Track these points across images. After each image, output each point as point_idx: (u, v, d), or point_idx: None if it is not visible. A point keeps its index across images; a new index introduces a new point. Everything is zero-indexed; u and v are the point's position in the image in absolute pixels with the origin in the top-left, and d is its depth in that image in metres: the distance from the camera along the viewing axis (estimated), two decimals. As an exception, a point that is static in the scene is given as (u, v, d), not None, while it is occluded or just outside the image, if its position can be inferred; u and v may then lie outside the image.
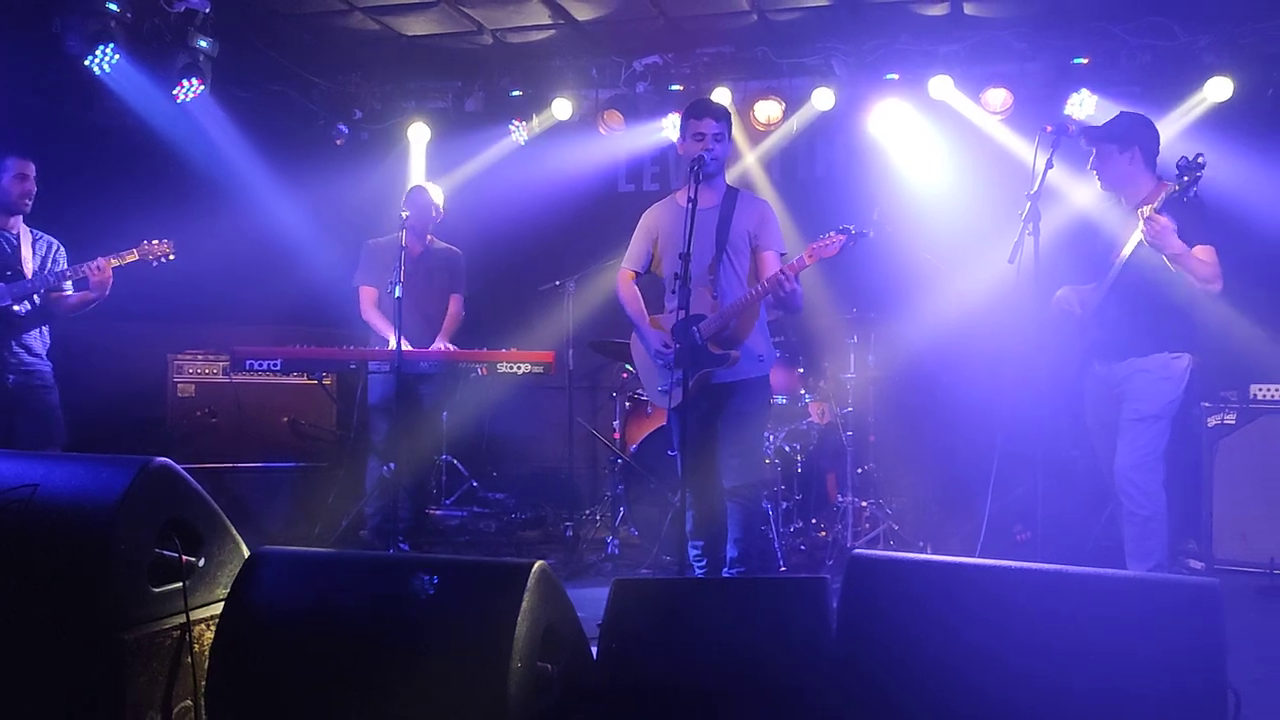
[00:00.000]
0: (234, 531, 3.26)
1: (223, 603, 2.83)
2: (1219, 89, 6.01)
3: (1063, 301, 4.46)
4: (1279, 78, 5.99)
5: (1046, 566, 2.46)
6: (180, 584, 2.88)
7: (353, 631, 2.68)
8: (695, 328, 4.33)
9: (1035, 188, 4.03)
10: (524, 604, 2.62)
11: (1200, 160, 3.95)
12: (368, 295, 5.81)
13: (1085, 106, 6.18)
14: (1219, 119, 5.93)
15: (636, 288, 4.62)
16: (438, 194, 5.91)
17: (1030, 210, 4.01)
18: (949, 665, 2.41)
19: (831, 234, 4.33)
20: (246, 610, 2.75)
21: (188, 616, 2.90)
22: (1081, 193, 4.84)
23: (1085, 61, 6.38)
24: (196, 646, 2.94)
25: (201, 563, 3.00)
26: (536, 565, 2.71)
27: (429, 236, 5.92)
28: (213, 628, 2.88)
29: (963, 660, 2.40)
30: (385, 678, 2.62)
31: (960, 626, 2.44)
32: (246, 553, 3.04)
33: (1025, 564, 2.49)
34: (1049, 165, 4.05)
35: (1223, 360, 5.43)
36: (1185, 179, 3.97)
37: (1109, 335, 4.30)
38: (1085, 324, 4.35)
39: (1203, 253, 4.08)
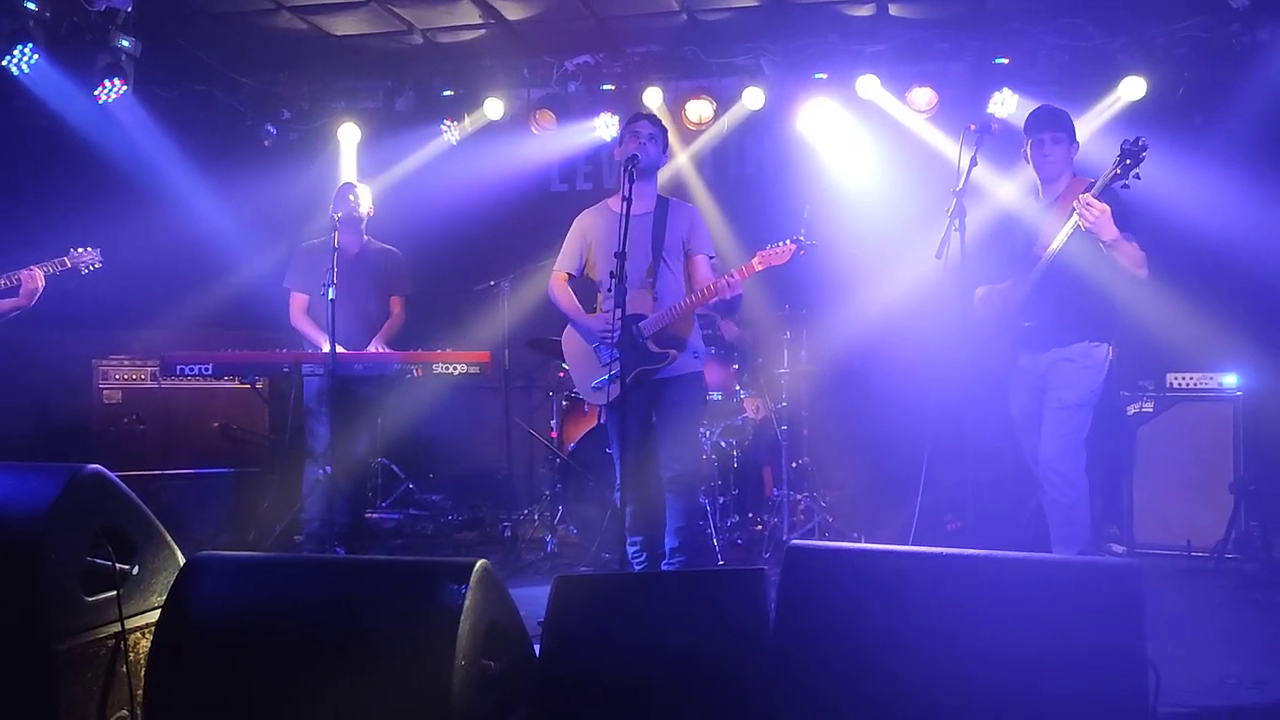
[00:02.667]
0: (169, 538, 3.21)
1: (159, 610, 2.80)
2: (1133, 88, 6.20)
3: (985, 299, 4.58)
4: (1189, 77, 6.19)
5: (975, 552, 2.54)
6: (114, 592, 2.84)
7: (293, 635, 2.66)
8: (636, 325, 4.41)
9: (960, 184, 4.12)
10: (466, 602, 2.63)
11: (1142, 144, 3.99)
12: (298, 302, 5.72)
13: (1007, 105, 6.34)
14: (1133, 117, 6.12)
15: (570, 290, 4.70)
16: (366, 193, 5.86)
17: (956, 206, 4.10)
18: (883, 650, 2.47)
19: (784, 243, 4.43)
20: (184, 617, 2.72)
21: (122, 625, 2.87)
22: (1002, 188, 4.97)
23: (1006, 61, 6.54)
24: (132, 655, 2.90)
25: (136, 570, 2.97)
26: (479, 564, 2.73)
27: (365, 237, 5.86)
28: (148, 636, 2.85)
29: (896, 645, 2.47)
30: (328, 680, 2.61)
31: (893, 613, 2.50)
32: (182, 560, 3.01)
33: (956, 550, 2.56)
34: (973, 162, 4.14)
35: (1140, 350, 5.60)
36: (1127, 161, 4.01)
37: (1035, 327, 4.41)
38: (1012, 317, 4.46)
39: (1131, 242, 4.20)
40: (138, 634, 2.92)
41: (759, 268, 4.41)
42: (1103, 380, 4.35)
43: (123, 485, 3.02)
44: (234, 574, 2.82)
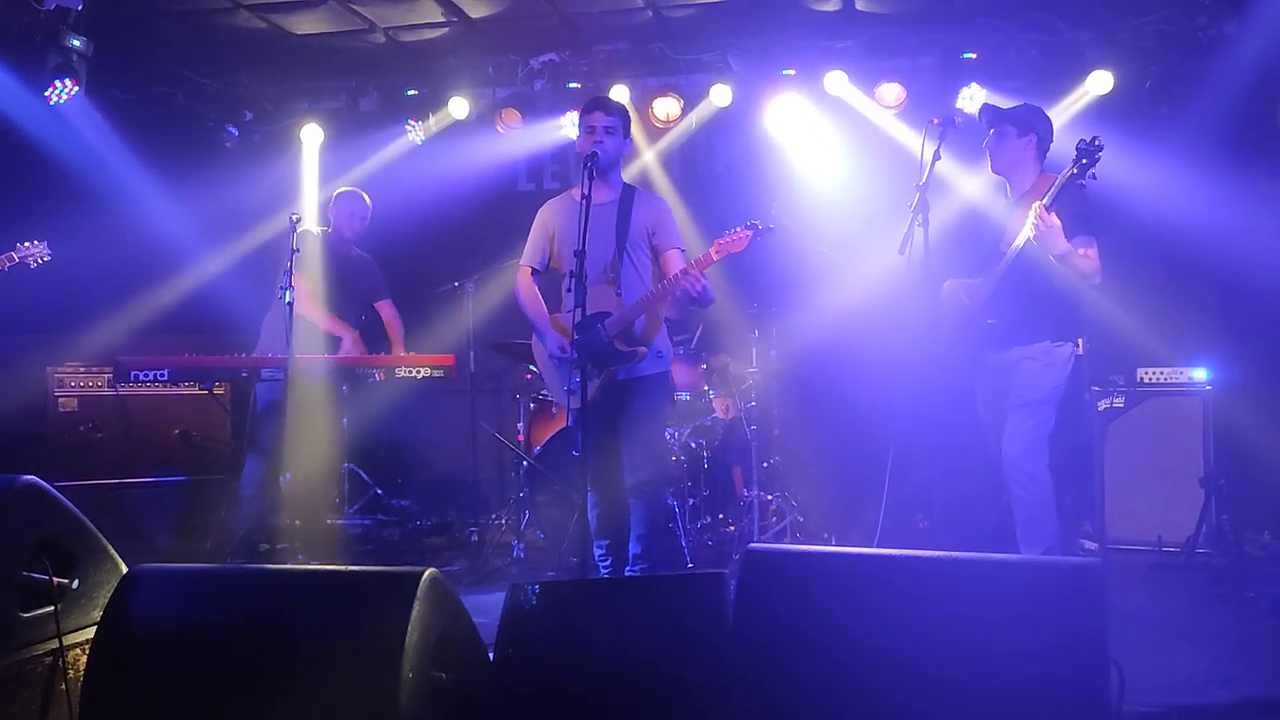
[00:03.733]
0: (111, 550, 3.12)
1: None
2: (1100, 82, 6.18)
3: (951, 294, 4.54)
4: (1156, 71, 6.18)
5: (934, 553, 2.49)
6: (52, 607, 2.75)
7: (236, 648, 2.59)
8: (601, 325, 4.31)
9: (923, 179, 4.08)
10: (414, 613, 2.56)
11: (1098, 143, 3.99)
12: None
13: (975, 100, 6.28)
14: (1101, 111, 6.09)
15: (536, 287, 4.58)
16: (366, 200, 5.89)
17: (919, 201, 4.06)
18: (842, 653, 2.43)
19: (738, 229, 4.32)
20: (122, 631, 2.64)
21: (60, 641, 2.78)
22: (970, 184, 4.93)
23: (974, 56, 6.51)
24: (71, 672, 2.81)
25: (75, 584, 2.88)
26: (427, 573, 2.65)
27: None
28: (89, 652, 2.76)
29: (855, 647, 2.42)
30: (272, 695, 2.53)
31: (852, 615, 2.46)
32: (126, 572, 2.92)
33: (914, 551, 2.51)
34: (936, 156, 4.11)
35: (1110, 346, 5.60)
36: (1084, 161, 4.01)
37: (998, 324, 4.37)
38: (976, 314, 4.43)
39: (1085, 249, 4.16)
40: (77, 650, 2.83)
41: (717, 257, 4.29)
42: (1066, 377, 4.32)
43: (61, 496, 2.93)
44: (174, 586, 2.73)
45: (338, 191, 6.01)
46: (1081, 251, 4.13)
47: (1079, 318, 4.37)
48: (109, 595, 2.79)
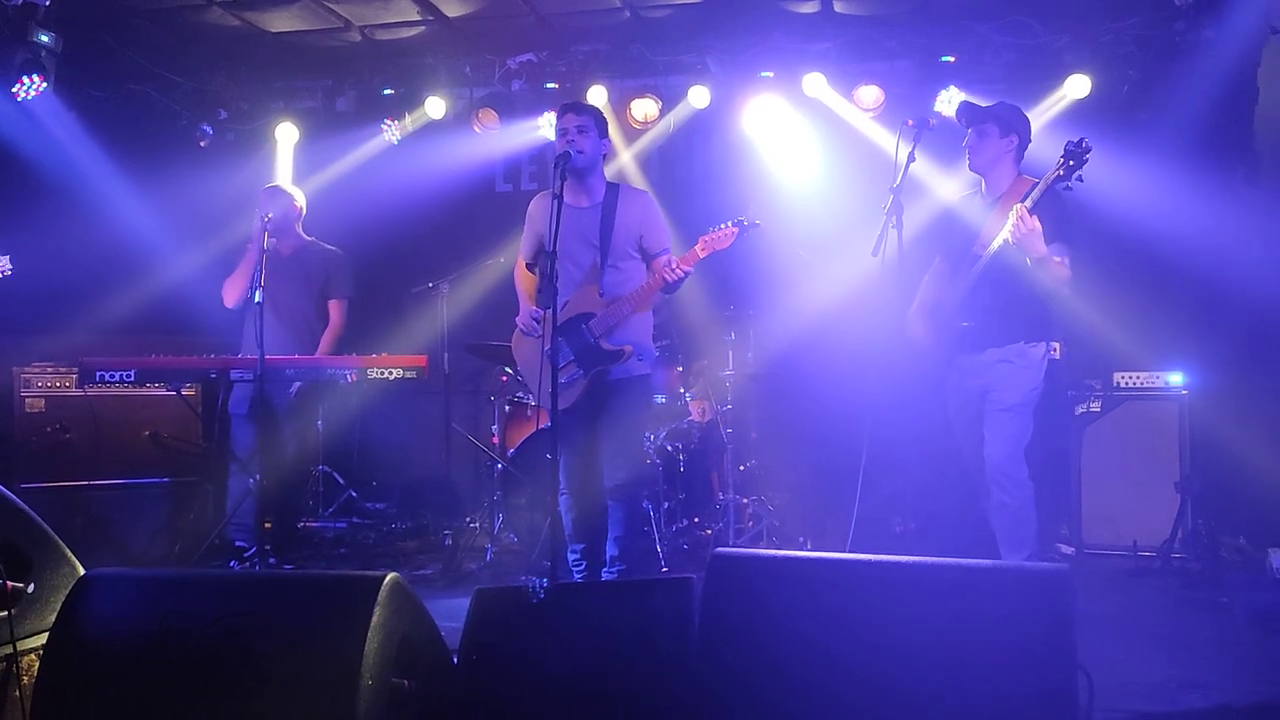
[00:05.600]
0: (69, 554, 3.07)
1: (51, 630, 2.65)
2: (1078, 86, 6.17)
3: (923, 290, 4.55)
4: (1133, 75, 6.18)
5: (903, 559, 2.46)
6: (4, 613, 2.70)
7: (192, 654, 2.54)
8: (585, 325, 4.27)
9: (898, 180, 4.05)
10: (374, 618, 2.52)
11: (1086, 145, 3.93)
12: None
13: (953, 103, 6.26)
14: (1078, 115, 6.09)
15: (528, 276, 4.59)
16: (294, 192, 5.74)
17: (893, 203, 4.04)
18: (808, 658, 2.40)
19: (725, 225, 4.29)
20: (75, 636, 2.59)
21: (14, 647, 2.73)
22: (945, 186, 4.91)
23: (952, 60, 6.49)
24: (25, 679, 2.76)
25: (31, 588, 2.83)
26: (389, 577, 2.61)
27: (308, 237, 5.73)
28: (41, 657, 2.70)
29: (821, 652, 2.40)
30: (227, 702, 2.48)
31: (819, 620, 2.43)
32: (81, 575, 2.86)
33: (882, 557, 2.48)
34: (911, 158, 4.08)
35: (1087, 350, 5.58)
36: (1070, 163, 3.95)
37: (973, 326, 4.34)
38: (949, 317, 4.40)
39: (1059, 257, 4.13)
40: (32, 655, 2.77)
41: (703, 254, 4.26)
42: (1042, 379, 4.29)
43: (16, 499, 2.87)
44: (130, 590, 2.68)
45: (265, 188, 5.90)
46: (1057, 259, 4.11)
47: (1053, 319, 4.34)
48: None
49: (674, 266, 4.21)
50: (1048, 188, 4.01)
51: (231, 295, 5.53)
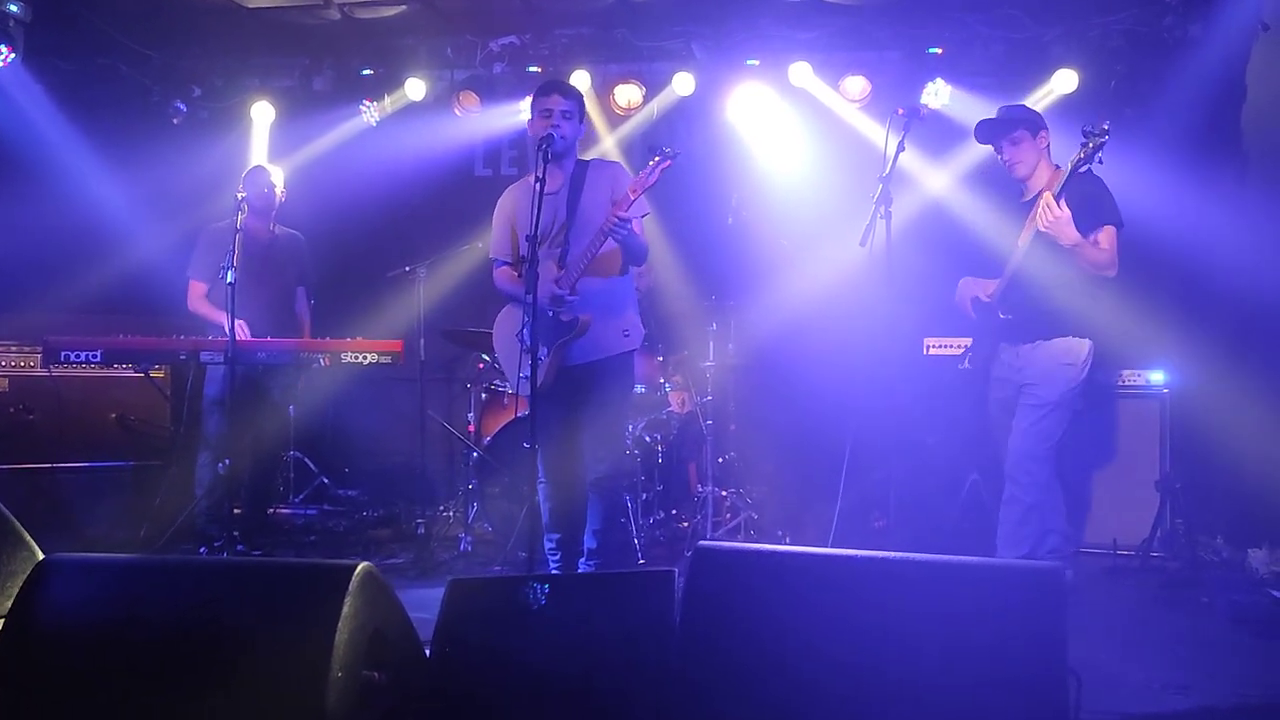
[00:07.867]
0: (27, 537, 2.97)
1: (5, 617, 2.56)
2: (1065, 81, 6.13)
3: (966, 289, 4.52)
4: (1121, 71, 6.14)
5: (888, 554, 2.39)
6: (-43, 597, 2.60)
7: (155, 643, 2.45)
8: (547, 301, 4.11)
9: (887, 170, 4.00)
10: (345, 609, 2.43)
11: (1106, 127, 3.89)
12: (196, 290, 5.45)
13: (940, 96, 6.23)
14: (1065, 110, 6.03)
15: (516, 275, 4.37)
16: (278, 175, 5.60)
17: (882, 193, 3.98)
18: (790, 654, 2.35)
19: (650, 163, 4.09)
20: (31, 622, 2.49)
21: (-33, 633, 2.61)
22: (934, 178, 4.86)
23: (940, 51, 6.44)
24: (-20, 666, 2.64)
25: (-13, 573, 2.72)
26: (360, 567, 2.52)
27: (274, 225, 5.59)
28: (1, 643, 2.59)
29: (804, 648, 2.34)
30: (191, 692, 2.39)
31: (802, 615, 2.37)
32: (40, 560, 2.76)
33: (867, 552, 2.41)
34: (900, 148, 4.02)
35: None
36: (1090, 145, 3.91)
37: (1012, 319, 4.33)
38: (992, 309, 4.37)
39: (1103, 237, 4.10)
40: (-13, 642, 2.66)
41: (634, 196, 4.03)
42: (1084, 378, 4.25)
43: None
44: (91, 576, 2.58)
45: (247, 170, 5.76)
46: (1093, 239, 4.07)
47: (1093, 315, 4.28)
48: (22, 585, 2.63)
49: (614, 219, 4.00)
50: (1072, 171, 3.97)
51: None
